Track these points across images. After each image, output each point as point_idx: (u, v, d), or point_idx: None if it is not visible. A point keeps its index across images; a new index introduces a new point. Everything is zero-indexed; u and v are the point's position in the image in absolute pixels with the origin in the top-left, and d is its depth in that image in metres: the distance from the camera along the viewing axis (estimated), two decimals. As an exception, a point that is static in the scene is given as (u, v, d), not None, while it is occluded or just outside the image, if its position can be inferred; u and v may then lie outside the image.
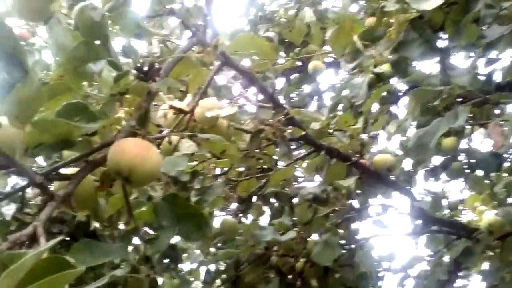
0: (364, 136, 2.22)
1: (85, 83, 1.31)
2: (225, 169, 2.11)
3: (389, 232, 2.99)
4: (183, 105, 1.62)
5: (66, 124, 0.86)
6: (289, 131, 1.72)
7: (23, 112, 0.88)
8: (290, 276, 2.21)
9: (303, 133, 1.76)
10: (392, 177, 2.48)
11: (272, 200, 2.51)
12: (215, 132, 1.55)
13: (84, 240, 0.94)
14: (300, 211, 1.95)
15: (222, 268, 2.54)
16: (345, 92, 2.96)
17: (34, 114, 0.90)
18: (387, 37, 1.70)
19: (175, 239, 2.68)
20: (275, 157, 2.34)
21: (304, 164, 2.33)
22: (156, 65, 1.18)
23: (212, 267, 2.61)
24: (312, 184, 1.91)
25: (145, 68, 1.17)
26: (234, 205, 2.39)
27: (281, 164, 2.26)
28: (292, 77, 3.98)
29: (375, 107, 2.79)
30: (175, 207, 1.18)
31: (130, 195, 1.42)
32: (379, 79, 2.75)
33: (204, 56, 1.16)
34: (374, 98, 2.07)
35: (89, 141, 1.00)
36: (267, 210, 2.61)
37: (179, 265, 2.60)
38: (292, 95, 3.96)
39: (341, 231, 2.27)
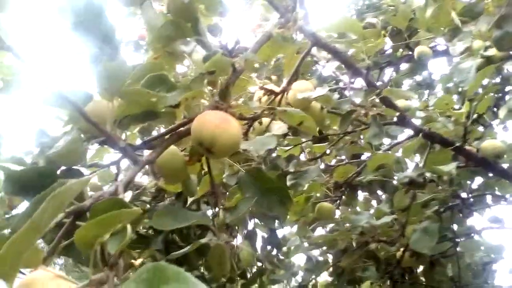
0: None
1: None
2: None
3: (502, 225, 2.81)
4: (274, 87, 1.65)
5: (147, 93, 0.92)
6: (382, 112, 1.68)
7: (112, 85, 0.95)
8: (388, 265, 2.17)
9: (397, 114, 1.71)
10: (503, 165, 2.33)
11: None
12: (308, 113, 1.56)
13: (167, 206, 1.01)
14: (397, 197, 1.90)
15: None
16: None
17: (121, 86, 0.97)
18: (485, 12, 1.60)
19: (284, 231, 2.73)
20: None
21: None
22: (241, 44, 1.22)
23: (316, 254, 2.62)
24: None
25: (230, 46, 1.22)
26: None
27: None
28: (402, 66, 3.86)
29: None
30: (258, 181, 1.22)
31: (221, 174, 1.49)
32: (489, 63, 2.60)
33: (284, 31, 1.17)
34: (480, 79, 1.95)
35: (173, 113, 1.06)
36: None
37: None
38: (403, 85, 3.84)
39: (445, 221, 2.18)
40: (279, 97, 1.58)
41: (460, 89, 2.58)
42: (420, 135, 1.80)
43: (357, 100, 1.65)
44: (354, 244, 2.23)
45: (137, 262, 2.01)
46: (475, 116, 2.14)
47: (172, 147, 1.19)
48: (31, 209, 0.64)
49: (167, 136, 1.07)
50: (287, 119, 1.08)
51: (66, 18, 1.02)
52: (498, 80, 3.04)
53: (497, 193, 2.59)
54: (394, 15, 2.73)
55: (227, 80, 1.11)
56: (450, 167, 1.83)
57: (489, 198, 2.66)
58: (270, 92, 1.57)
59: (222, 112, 1.08)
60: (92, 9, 1.02)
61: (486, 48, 2.55)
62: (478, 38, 1.83)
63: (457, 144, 2.04)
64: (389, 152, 2.06)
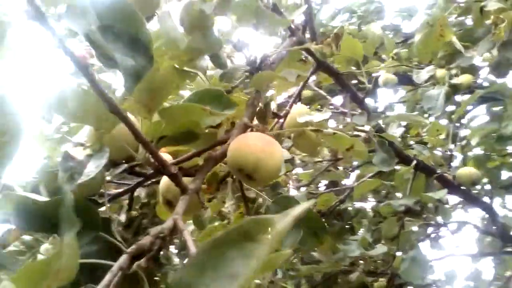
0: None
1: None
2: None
3: (459, 252, 2.84)
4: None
5: (201, 110, 0.80)
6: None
7: (152, 100, 0.82)
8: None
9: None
10: (474, 191, 2.35)
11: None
12: (303, 139, 1.47)
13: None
14: (387, 225, 1.84)
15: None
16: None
17: (162, 102, 0.84)
18: (494, 36, 1.59)
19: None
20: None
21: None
22: (269, 59, 1.12)
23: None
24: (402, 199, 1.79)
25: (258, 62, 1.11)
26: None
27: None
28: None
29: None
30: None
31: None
32: (455, 91, 2.64)
33: (323, 47, 1.08)
34: (464, 106, 1.96)
35: (214, 135, 0.93)
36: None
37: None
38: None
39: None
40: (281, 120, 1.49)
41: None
42: (414, 163, 1.76)
43: (359, 123, 1.58)
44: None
45: None
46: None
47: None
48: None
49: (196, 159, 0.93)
50: (335, 143, 0.98)
51: (88, 22, 0.87)
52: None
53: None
54: (364, 41, 2.73)
55: (266, 100, 1.00)
56: (441, 194, 1.81)
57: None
58: (274, 116, 1.47)
59: (264, 134, 0.97)
60: (123, 11, 0.88)
61: (451, 76, 2.61)
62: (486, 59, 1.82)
63: (439, 172, 2.03)
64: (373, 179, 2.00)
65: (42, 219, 0.77)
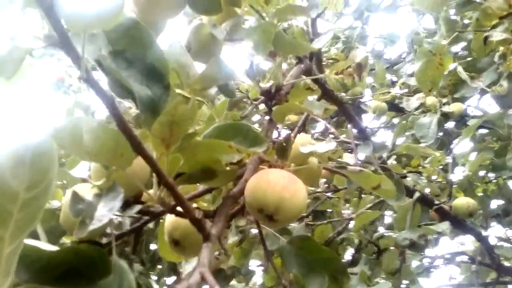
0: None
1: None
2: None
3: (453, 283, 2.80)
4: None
5: (226, 147, 0.72)
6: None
7: (171, 135, 0.74)
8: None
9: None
10: (469, 222, 2.31)
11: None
12: (306, 170, 1.40)
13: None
14: (387, 259, 1.77)
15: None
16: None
17: (182, 136, 0.76)
18: (503, 66, 1.56)
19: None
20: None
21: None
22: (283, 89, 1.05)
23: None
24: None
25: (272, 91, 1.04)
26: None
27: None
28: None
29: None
30: (303, 251, 1.02)
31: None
32: (447, 118, 2.62)
33: (344, 77, 1.02)
34: (466, 135, 1.92)
35: (234, 172, 0.85)
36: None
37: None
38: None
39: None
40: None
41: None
42: (416, 195, 1.70)
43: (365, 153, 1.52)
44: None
45: None
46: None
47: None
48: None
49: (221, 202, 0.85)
50: (360, 180, 0.91)
51: (98, 47, 0.79)
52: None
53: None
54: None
55: (287, 135, 0.93)
56: (443, 227, 1.76)
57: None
58: (275, 143, 1.41)
59: (285, 171, 0.89)
60: (135, 34, 0.80)
61: (442, 105, 2.59)
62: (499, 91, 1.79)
63: (438, 203, 1.98)
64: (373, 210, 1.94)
65: (48, 270, 0.67)
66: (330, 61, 2.59)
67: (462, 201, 2.13)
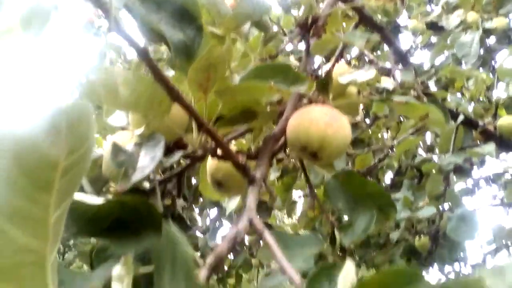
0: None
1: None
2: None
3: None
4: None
5: (267, 88, 0.69)
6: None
7: (207, 79, 0.71)
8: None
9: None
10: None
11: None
12: (343, 99, 1.37)
13: (276, 232, 0.78)
14: (431, 183, 1.75)
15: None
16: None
17: (219, 79, 0.73)
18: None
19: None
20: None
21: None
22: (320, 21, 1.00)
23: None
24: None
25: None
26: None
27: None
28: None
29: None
30: (349, 187, 1.01)
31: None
32: (489, 35, 2.50)
33: (385, 3, 0.96)
34: (511, 52, 1.82)
35: (275, 112, 0.83)
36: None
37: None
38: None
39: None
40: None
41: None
42: (461, 118, 1.64)
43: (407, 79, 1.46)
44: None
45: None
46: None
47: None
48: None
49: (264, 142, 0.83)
50: (407, 111, 0.88)
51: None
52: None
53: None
54: None
55: (328, 70, 0.89)
56: (489, 148, 1.71)
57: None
58: (315, 78, 1.36)
59: (327, 107, 0.86)
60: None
61: (483, 20, 2.45)
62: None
63: (482, 124, 1.92)
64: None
65: (94, 223, 0.68)
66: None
67: (507, 120, 2.06)
